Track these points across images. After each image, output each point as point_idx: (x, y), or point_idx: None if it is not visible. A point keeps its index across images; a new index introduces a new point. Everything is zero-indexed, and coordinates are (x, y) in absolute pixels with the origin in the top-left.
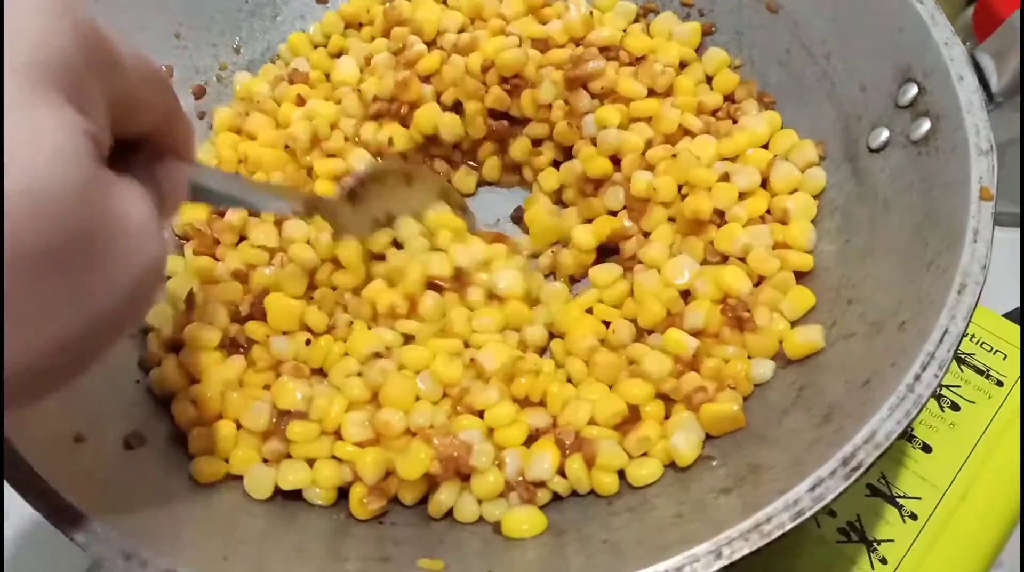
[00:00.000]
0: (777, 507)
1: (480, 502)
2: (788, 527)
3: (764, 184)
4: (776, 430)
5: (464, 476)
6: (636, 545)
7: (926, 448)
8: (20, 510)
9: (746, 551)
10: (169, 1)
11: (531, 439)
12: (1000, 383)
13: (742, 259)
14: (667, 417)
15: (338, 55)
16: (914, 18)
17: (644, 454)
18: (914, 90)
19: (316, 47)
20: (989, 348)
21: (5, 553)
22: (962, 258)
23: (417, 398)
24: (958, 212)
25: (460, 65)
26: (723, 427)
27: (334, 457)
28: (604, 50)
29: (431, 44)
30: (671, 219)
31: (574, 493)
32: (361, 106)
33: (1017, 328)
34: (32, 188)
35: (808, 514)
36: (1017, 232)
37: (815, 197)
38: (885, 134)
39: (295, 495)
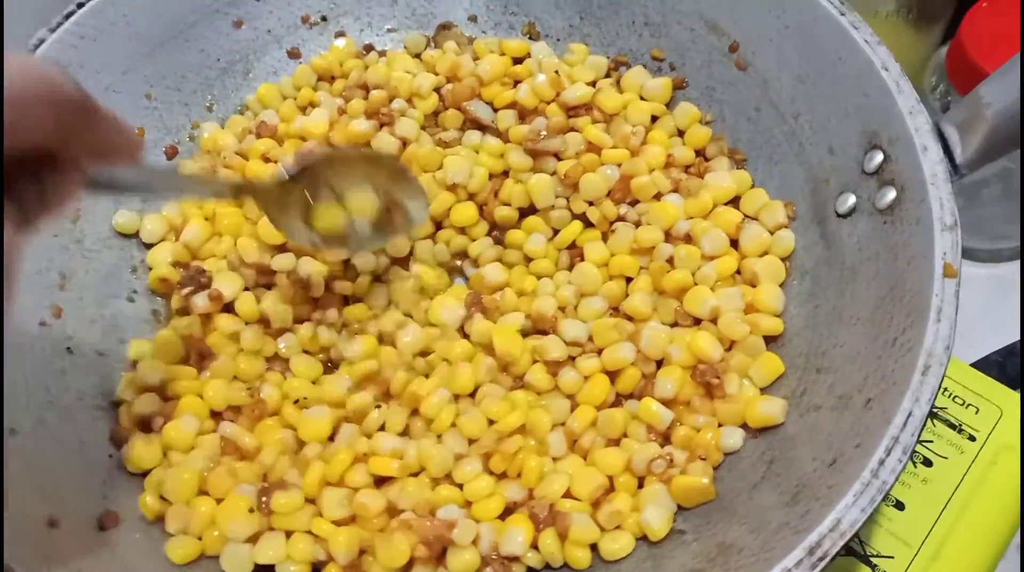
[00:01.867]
0: None
1: None
2: None
3: (734, 244)
4: (746, 504)
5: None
6: None
7: (899, 505)
8: None
9: None
10: (139, 61)
11: (506, 512)
12: (973, 438)
13: (713, 321)
14: (639, 487)
15: (307, 108)
16: (879, 84)
17: (616, 528)
18: (880, 157)
19: (285, 99)
20: (961, 402)
21: None
22: (926, 338)
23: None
24: (922, 288)
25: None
26: (694, 499)
27: (310, 533)
28: (575, 108)
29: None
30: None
31: (548, 567)
32: None
33: (988, 380)
34: None
35: None
36: (992, 268)
37: (784, 259)
38: (852, 200)
39: None
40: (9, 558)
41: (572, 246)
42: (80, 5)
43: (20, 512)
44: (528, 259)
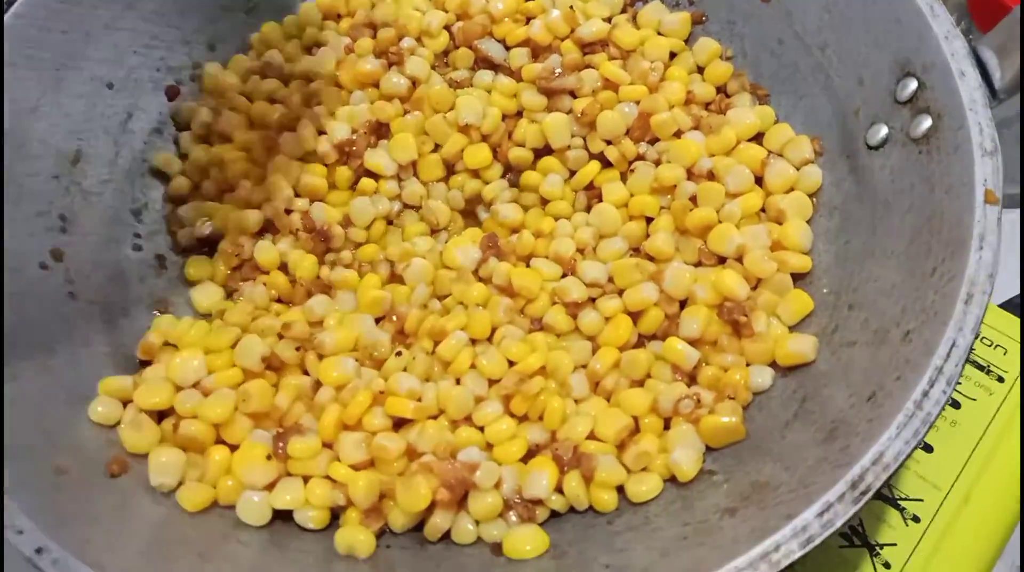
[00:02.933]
0: (785, 534)
1: (478, 523)
2: (797, 555)
3: (759, 181)
4: (779, 444)
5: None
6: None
7: (927, 448)
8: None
9: None
10: None
11: (529, 455)
12: (1001, 379)
13: (739, 260)
14: (665, 429)
15: (312, 48)
16: (912, 9)
17: (644, 469)
18: (913, 85)
19: (290, 39)
20: (989, 342)
21: None
22: (968, 266)
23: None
24: (962, 216)
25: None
26: (723, 439)
27: (328, 478)
28: (591, 44)
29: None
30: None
31: (573, 510)
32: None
33: (1017, 320)
34: None
35: (817, 541)
36: (1014, 213)
37: (811, 196)
38: (884, 130)
39: (287, 522)
40: (19, 507)
41: (590, 187)
42: None
43: (28, 460)
44: (544, 201)
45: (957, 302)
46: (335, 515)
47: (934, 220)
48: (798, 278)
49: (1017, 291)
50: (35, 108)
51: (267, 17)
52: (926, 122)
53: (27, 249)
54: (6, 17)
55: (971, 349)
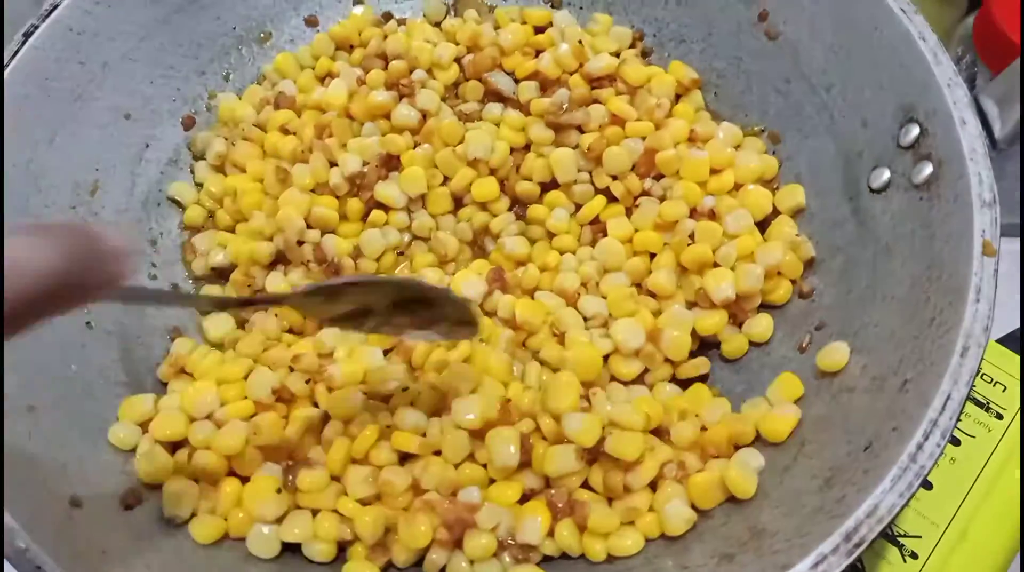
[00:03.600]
0: None
1: (472, 563)
2: None
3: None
4: (777, 488)
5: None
6: None
7: (927, 485)
8: None
9: None
10: (155, 29)
11: (524, 499)
12: (1000, 416)
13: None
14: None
15: (325, 78)
16: (916, 55)
17: (630, 523)
18: (916, 131)
19: (304, 69)
20: (989, 379)
21: None
22: (964, 319)
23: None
24: (960, 267)
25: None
26: (714, 497)
27: (336, 512)
28: (599, 79)
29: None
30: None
31: (565, 556)
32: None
33: (1016, 357)
34: None
35: None
36: (1013, 243)
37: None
38: (886, 174)
39: (295, 554)
40: (32, 539)
41: (595, 221)
42: None
43: (42, 492)
44: (551, 235)
45: (953, 355)
46: (341, 548)
47: (933, 268)
48: (801, 314)
49: (1017, 325)
50: (51, 139)
51: (281, 48)
52: (927, 169)
53: None
54: (23, 48)
55: (965, 401)
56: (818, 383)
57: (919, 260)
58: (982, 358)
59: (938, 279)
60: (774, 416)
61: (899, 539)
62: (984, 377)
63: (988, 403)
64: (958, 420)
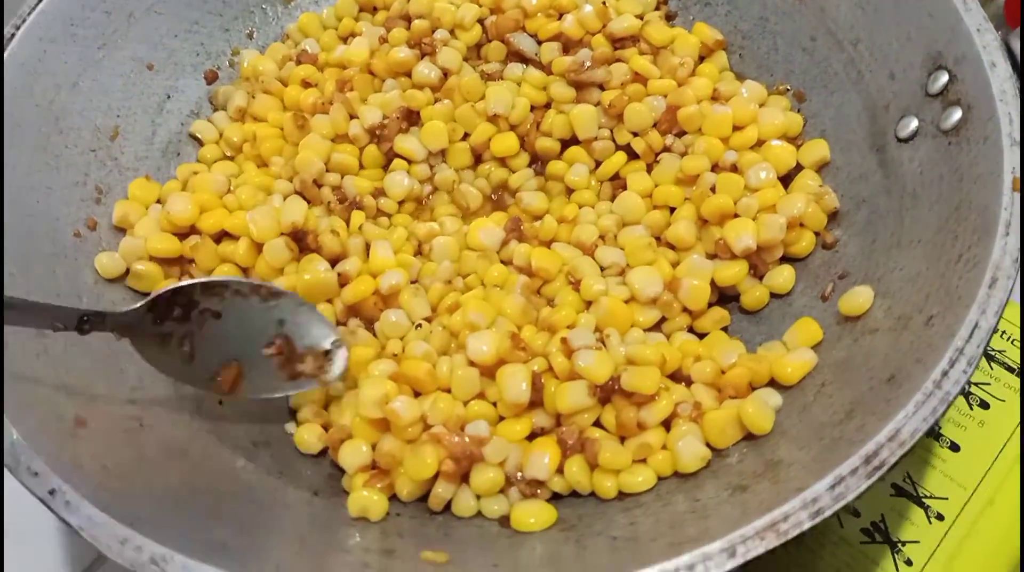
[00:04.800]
0: (795, 505)
1: (479, 498)
2: (806, 526)
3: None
4: (796, 426)
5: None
6: (649, 542)
7: (954, 447)
8: (21, 499)
9: (761, 550)
10: None
11: (533, 436)
12: None
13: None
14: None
15: (347, 38)
16: (945, 3)
17: (643, 460)
18: (945, 78)
19: (327, 29)
20: (1020, 344)
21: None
22: (993, 251)
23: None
24: (990, 204)
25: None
26: (730, 435)
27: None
28: (621, 40)
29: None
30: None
31: (575, 493)
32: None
33: None
34: None
35: (827, 513)
36: None
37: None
38: (914, 123)
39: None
40: (36, 452)
41: (615, 178)
42: None
43: (49, 411)
44: (570, 191)
45: (982, 286)
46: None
47: (961, 209)
48: (825, 265)
49: None
50: (75, 84)
51: (305, 8)
52: (956, 114)
53: (62, 215)
54: None
55: (994, 331)
56: (840, 328)
57: (947, 203)
58: (1011, 290)
59: (966, 219)
60: (787, 361)
61: (924, 500)
62: (1015, 342)
63: (1019, 368)
64: (985, 351)
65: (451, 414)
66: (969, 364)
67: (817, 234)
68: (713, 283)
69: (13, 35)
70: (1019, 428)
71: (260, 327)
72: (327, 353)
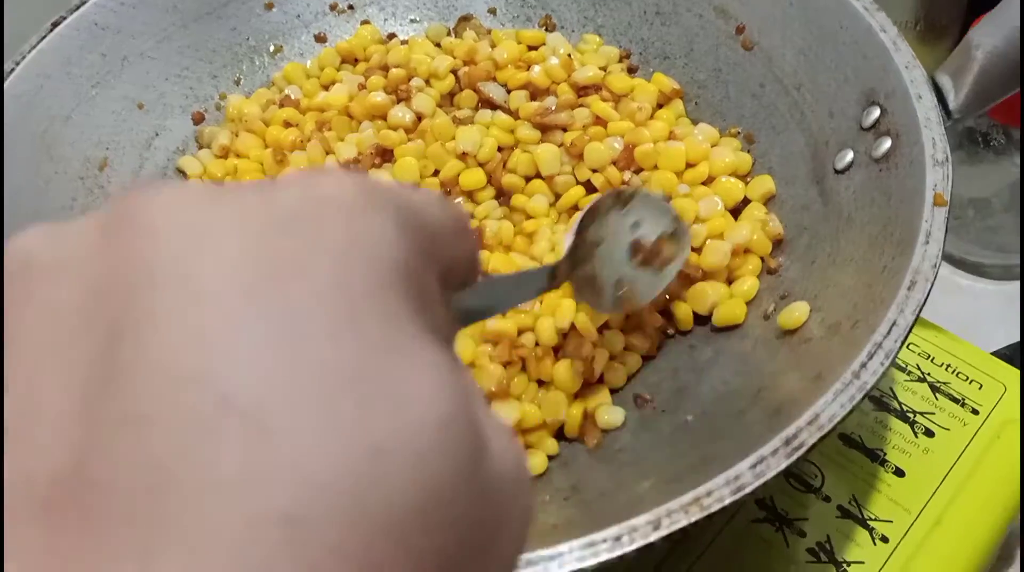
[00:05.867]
0: (718, 483)
1: None
2: (728, 501)
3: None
4: (733, 428)
5: None
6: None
7: (899, 472)
8: None
9: (684, 523)
10: (174, 32)
11: None
12: (976, 411)
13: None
14: None
15: (329, 86)
16: (877, 45)
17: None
18: (877, 112)
19: (310, 78)
20: (965, 377)
21: None
22: (913, 258)
23: None
24: (912, 219)
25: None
26: None
27: None
28: (585, 88)
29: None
30: None
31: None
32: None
33: (994, 360)
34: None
35: (748, 490)
36: (1008, 285)
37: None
38: (850, 155)
39: None
40: None
41: (574, 209)
42: None
43: None
44: (530, 219)
45: (901, 289)
46: None
47: (889, 226)
48: (768, 289)
49: (1005, 342)
50: (68, 117)
51: (290, 59)
52: (887, 143)
53: None
54: (50, 35)
55: (911, 328)
56: (779, 342)
57: (876, 223)
58: (929, 291)
59: (892, 235)
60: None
61: (869, 522)
62: (960, 376)
63: (964, 399)
64: (902, 345)
65: None
66: (887, 357)
67: (763, 260)
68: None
69: (13, 70)
70: (960, 455)
71: (623, 237)
72: (672, 234)
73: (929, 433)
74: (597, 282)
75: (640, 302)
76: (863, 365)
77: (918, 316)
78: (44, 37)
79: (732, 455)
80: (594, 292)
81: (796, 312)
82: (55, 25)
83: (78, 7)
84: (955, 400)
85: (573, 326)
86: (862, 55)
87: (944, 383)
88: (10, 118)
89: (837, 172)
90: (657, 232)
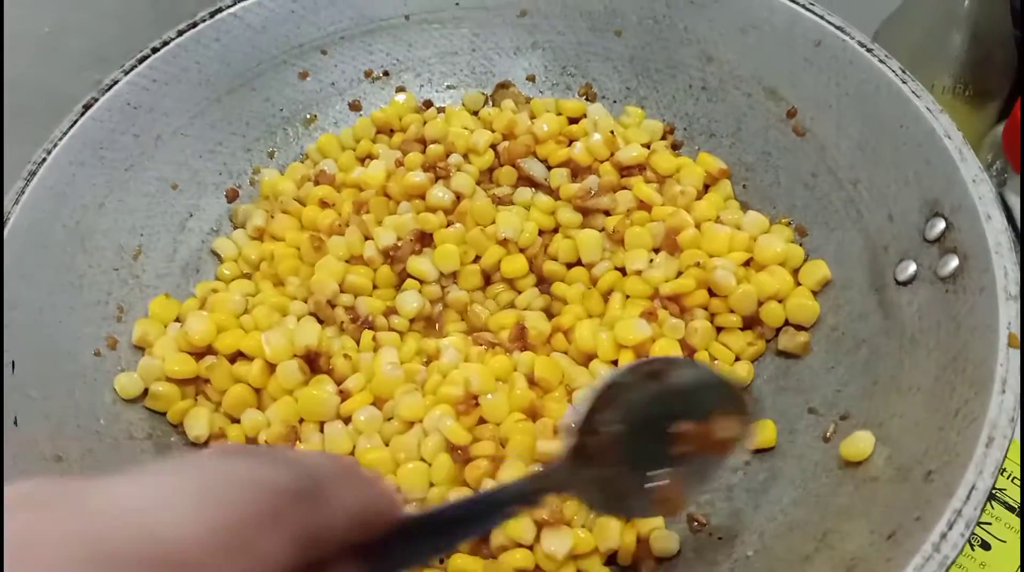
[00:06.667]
0: None
1: None
2: None
3: None
4: None
5: None
6: None
7: None
8: None
9: None
10: (207, 107)
11: None
12: None
13: None
14: None
15: (365, 159)
16: (942, 152)
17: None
18: (941, 225)
19: (345, 150)
20: (1021, 483)
21: None
22: (990, 409)
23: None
24: (986, 358)
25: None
26: None
27: None
28: (629, 168)
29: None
30: None
31: None
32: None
33: None
34: None
35: None
36: None
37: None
38: (913, 267)
39: None
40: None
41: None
42: (155, 50)
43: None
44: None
45: (979, 445)
46: None
47: (959, 360)
48: (824, 401)
49: None
50: (101, 205)
51: (324, 129)
52: (953, 262)
53: (83, 335)
54: (82, 119)
55: (990, 492)
56: (842, 473)
57: (945, 351)
58: (1007, 449)
59: (963, 371)
60: None
61: None
62: (1015, 480)
63: (1018, 507)
64: (982, 511)
65: None
66: (967, 527)
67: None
68: None
69: (44, 159)
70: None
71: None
72: (726, 406)
73: (985, 546)
74: (617, 486)
75: (687, 502)
76: (943, 536)
77: (997, 477)
78: (76, 122)
79: None
80: (614, 496)
81: (860, 443)
82: (87, 108)
83: (109, 87)
84: (1010, 508)
85: None
86: (925, 160)
87: (1000, 490)
88: (42, 212)
89: (899, 283)
90: (702, 410)
